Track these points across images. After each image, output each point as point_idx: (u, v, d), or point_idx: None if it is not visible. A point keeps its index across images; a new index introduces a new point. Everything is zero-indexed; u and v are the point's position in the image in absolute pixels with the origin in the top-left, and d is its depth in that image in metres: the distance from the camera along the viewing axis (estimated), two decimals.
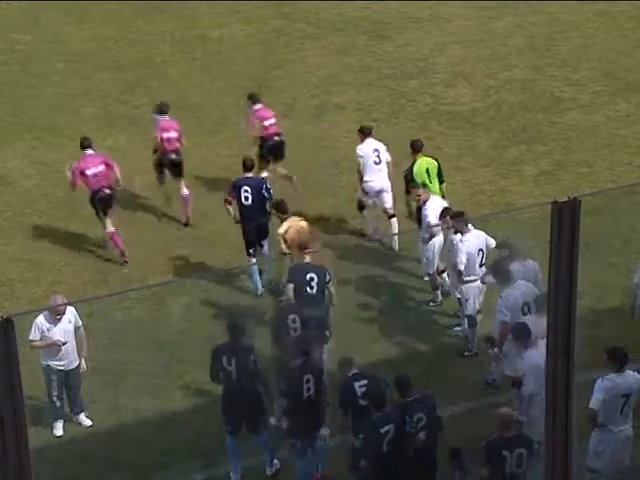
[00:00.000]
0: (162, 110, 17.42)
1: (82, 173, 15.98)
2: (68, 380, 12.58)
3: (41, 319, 12.26)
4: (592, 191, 16.27)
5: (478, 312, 13.91)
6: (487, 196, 17.57)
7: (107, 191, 16.06)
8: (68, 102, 20.34)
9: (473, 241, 13.69)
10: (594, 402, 10.48)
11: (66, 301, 12.40)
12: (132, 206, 17.53)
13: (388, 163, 16.46)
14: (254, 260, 15.42)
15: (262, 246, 15.42)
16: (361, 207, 16.74)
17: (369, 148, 16.40)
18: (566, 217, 5.03)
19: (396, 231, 16.63)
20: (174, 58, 22.34)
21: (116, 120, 20.08)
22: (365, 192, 16.49)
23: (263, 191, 15.34)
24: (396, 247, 16.53)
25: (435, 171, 15.83)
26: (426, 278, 15.23)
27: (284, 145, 17.65)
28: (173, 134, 17.14)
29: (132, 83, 19.50)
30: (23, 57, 22.86)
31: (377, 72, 22.15)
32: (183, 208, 17.20)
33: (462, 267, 13.66)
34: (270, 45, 23.28)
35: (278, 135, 17.64)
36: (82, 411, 12.85)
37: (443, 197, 15.46)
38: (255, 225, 15.23)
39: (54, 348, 12.34)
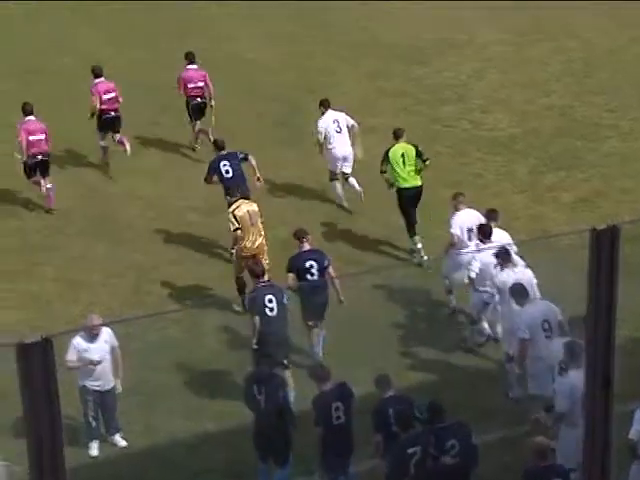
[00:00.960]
0: (97, 73, 19.11)
1: (27, 137, 17.63)
2: (104, 401, 12.60)
3: (78, 339, 12.28)
4: (632, 219, 16.12)
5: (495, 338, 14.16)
6: (523, 222, 17.45)
7: (41, 157, 17.80)
8: None
9: (490, 254, 13.69)
10: (633, 433, 10.33)
11: (102, 321, 12.45)
12: (167, 227, 17.62)
13: (353, 127, 18.00)
14: None
15: None
16: (332, 178, 18.06)
17: (328, 120, 17.89)
18: (605, 245, 4.95)
19: (357, 186, 17.86)
20: None
21: (149, 142, 20.20)
22: (332, 159, 17.87)
23: (240, 161, 16.46)
24: (362, 197, 17.86)
25: (412, 155, 16.63)
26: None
27: (205, 106, 19.78)
28: (112, 94, 19.04)
29: (165, 105, 19.68)
30: (61, 79, 23.06)
31: (413, 97, 22.18)
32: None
33: (473, 274, 13.88)
34: (305, 69, 23.36)
35: (201, 97, 19.72)
36: (117, 432, 12.85)
37: (419, 173, 16.55)
38: (240, 195, 15.52)
39: (90, 368, 12.38)
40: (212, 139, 18.42)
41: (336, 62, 23.44)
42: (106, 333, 12.39)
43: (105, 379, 12.50)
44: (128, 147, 18.86)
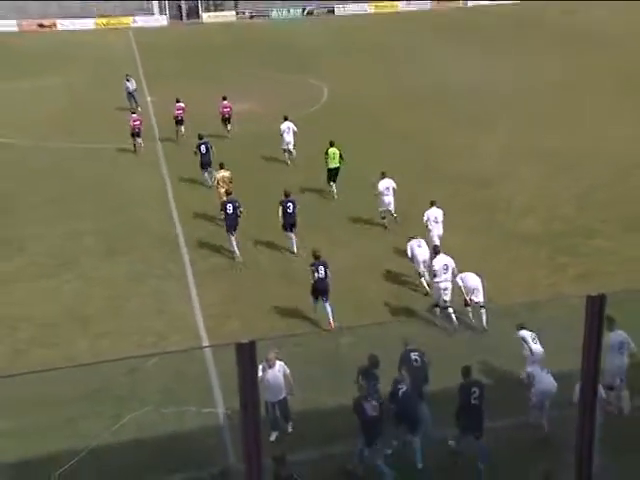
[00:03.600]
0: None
1: (132, 122, 26.16)
2: (279, 406, 11.87)
3: (262, 365, 11.29)
4: (615, 291, 15.16)
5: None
6: (543, 288, 16.67)
7: (137, 130, 26.28)
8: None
9: (471, 279, 14.27)
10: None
11: (277, 355, 11.64)
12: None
13: (294, 131, 24.27)
14: (206, 174, 22.58)
15: (209, 171, 22.45)
16: (284, 150, 24.44)
17: (285, 126, 24.30)
18: (596, 307, 4.74)
19: (294, 154, 24.50)
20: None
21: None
22: (284, 144, 24.39)
23: (209, 146, 22.24)
24: (292, 160, 24.61)
25: (338, 155, 21.26)
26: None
27: (230, 118, 27.85)
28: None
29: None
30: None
31: (478, 207, 21.80)
32: None
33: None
34: (411, 187, 22.96)
35: (228, 114, 27.84)
36: (289, 422, 12.08)
37: (340, 163, 21.38)
38: (206, 162, 22.34)
39: (266, 386, 11.39)
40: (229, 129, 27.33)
41: (435, 187, 23.04)
42: (279, 365, 11.47)
43: (276, 395, 11.62)
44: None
